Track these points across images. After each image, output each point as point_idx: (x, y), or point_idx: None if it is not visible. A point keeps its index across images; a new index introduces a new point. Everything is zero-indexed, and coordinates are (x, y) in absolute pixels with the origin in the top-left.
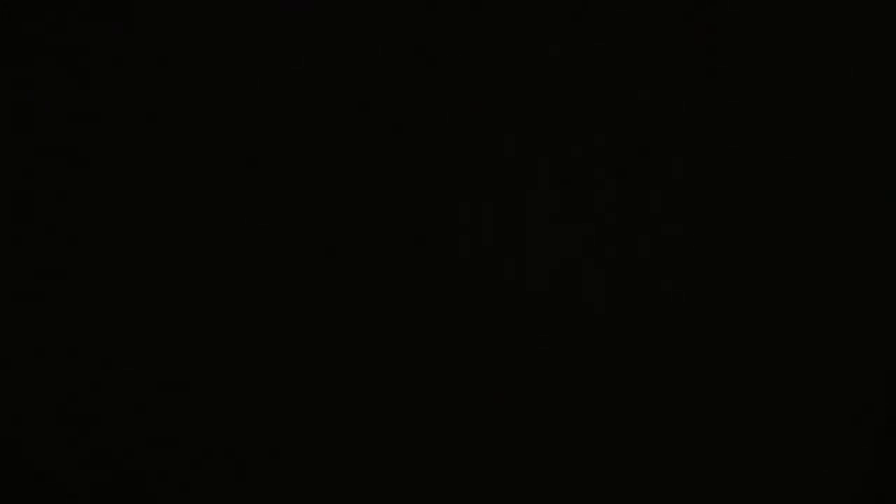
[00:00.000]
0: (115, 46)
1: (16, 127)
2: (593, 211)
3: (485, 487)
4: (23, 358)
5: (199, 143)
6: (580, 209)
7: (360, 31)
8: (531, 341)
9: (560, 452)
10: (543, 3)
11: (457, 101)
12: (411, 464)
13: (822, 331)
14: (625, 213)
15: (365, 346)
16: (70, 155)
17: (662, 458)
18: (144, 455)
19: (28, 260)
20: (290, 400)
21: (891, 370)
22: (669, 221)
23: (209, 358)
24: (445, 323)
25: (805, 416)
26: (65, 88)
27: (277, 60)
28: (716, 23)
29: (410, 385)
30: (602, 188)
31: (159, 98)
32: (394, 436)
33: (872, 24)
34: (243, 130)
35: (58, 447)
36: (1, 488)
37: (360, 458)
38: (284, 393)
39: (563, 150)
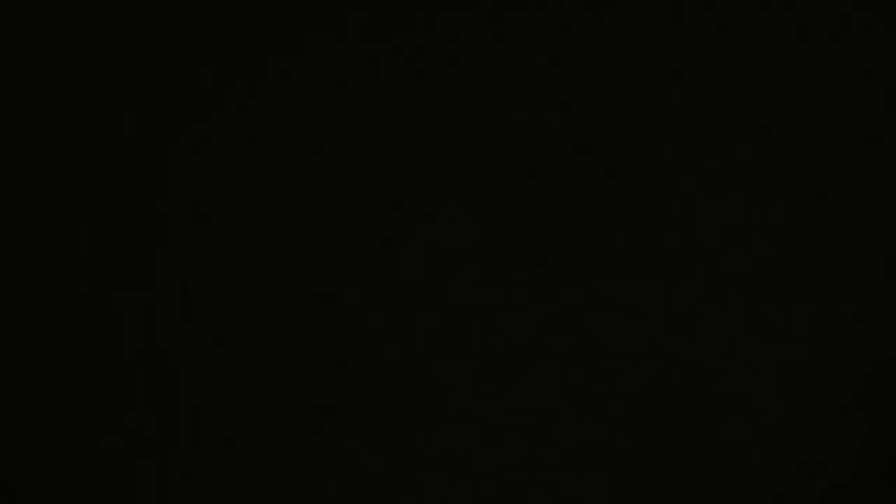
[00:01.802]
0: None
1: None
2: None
3: (483, 487)
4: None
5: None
6: None
7: None
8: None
9: (559, 452)
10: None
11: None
12: (409, 464)
13: (814, 326)
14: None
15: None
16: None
17: (660, 457)
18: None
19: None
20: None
21: (882, 366)
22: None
23: (202, 354)
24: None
25: (798, 413)
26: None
27: None
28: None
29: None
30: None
31: None
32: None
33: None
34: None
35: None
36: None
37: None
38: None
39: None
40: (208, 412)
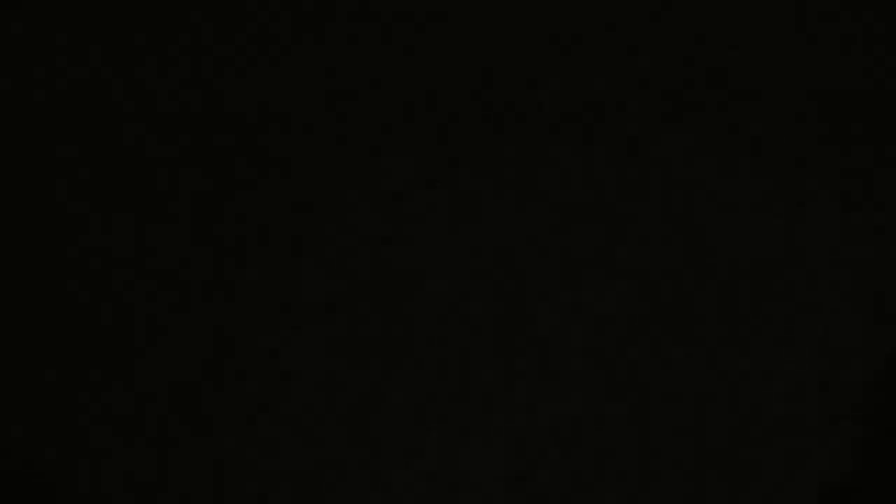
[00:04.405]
0: None
1: None
2: None
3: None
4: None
5: None
6: None
7: None
8: None
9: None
10: None
11: None
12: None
13: (808, 329)
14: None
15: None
16: None
17: (661, 457)
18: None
19: None
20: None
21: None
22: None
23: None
24: None
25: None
26: None
27: None
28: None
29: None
30: None
31: None
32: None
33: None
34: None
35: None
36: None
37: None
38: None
39: None
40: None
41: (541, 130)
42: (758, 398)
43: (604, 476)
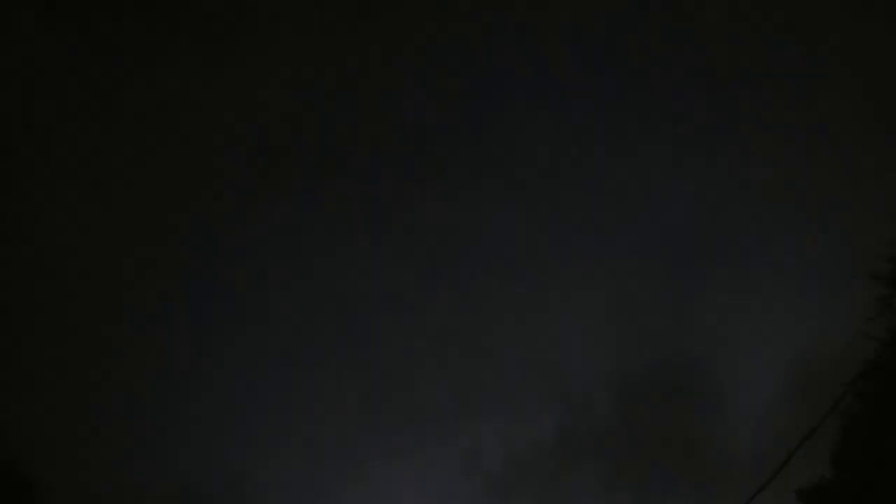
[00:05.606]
0: None
1: None
2: None
3: None
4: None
5: None
6: None
7: None
8: None
9: None
10: None
11: None
12: None
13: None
14: None
15: None
16: None
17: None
18: None
19: None
20: None
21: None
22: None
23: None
24: None
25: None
26: None
27: None
28: None
29: None
30: None
31: None
32: None
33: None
34: None
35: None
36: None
37: None
38: None
39: None
40: None
41: None
42: (738, 400)
43: (585, 477)
